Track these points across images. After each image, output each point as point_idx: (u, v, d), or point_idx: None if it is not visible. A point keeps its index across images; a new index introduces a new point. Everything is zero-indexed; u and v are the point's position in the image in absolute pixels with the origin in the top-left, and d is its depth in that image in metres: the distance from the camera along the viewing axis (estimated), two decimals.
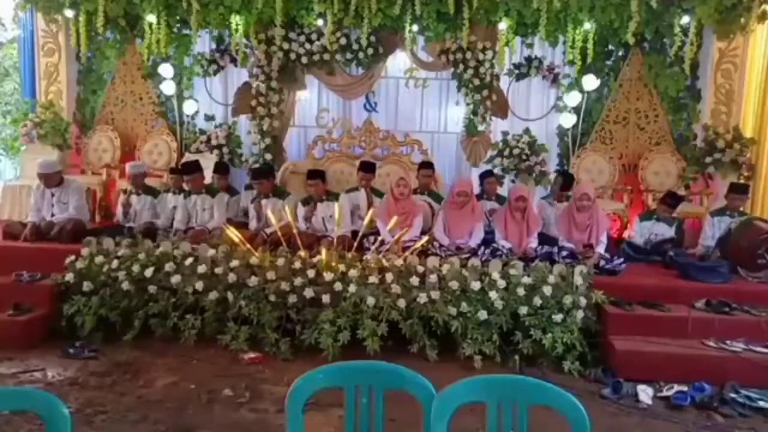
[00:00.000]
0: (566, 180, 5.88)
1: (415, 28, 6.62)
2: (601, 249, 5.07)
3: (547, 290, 4.30)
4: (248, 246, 4.77)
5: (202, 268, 4.51)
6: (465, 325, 4.26)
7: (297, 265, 4.54)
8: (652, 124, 6.86)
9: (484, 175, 6.08)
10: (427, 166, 6.15)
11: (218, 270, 4.52)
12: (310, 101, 7.64)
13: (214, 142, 7.13)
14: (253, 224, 5.72)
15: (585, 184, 5.57)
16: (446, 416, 1.74)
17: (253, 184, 5.95)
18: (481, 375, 1.95)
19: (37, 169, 5.58)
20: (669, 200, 5.57)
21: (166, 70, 7.08)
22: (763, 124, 6.54)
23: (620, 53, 6.91)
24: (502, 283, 4.37)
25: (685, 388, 3.76)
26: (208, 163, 6.47)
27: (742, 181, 6.22)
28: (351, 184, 6.45)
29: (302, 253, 4.70)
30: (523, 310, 4.28)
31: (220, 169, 6.27)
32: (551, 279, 4.38)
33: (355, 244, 4.89)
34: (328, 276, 4.39)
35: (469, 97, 6.85)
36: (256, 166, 6.77)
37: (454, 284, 4.35)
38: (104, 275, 4.61)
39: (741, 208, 5.60)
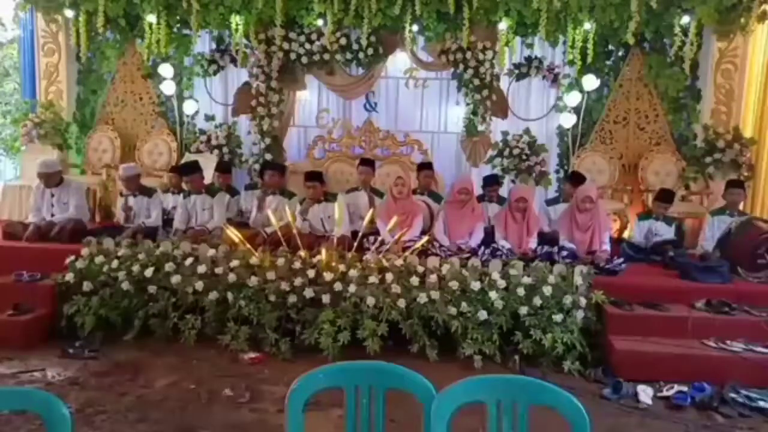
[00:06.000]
0: (575, 176, 5.85)
1: (415, 28, 6.62)
2: (606, 248, 5.08)
3: (547, 290, 4.30)
4: (248, 246, 4.77)
5: (202, 268, 4.51)
6: (465, 325, 4.26)
7: (297, 265, 4.54)
8: (652, 124, 6.86)
9: (489, 182, 6.05)
10: (426, 166, 6.16)
11: (218, 270, 4.52)
12: (310, 101, 7.65)
13: (214, 142, 7.13)
14: (252, 214, 5.75)
15: (588, 185, 5.54)
16: (446, 416, 1.73)
17: (264, 174, 5.93)
18: (481, 375, 1.94)
19: (37, 169, 5.58)
20: (661, 196, 5.58)
21: (166, 70, 7.08)
22: (763, 124, 6.54)
23: (620, 53, 6.91)
24: (502, 283, 4.37)
25: (685, 388, 3.75)
26: (208, 163, 6.48)
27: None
28: (351, 184, 6.45)
29: (302, 253, 4.70)
30: (523, 310, 4.28)
31: (222, 167, 6.29)
32: (551, 279, 4.37)
33: (355, 244, 4.89)
34: (328, 276, 4.39)
35: (469, 97, 6.86)
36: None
37: (454, 284, 4.35)
38: (104, 275, 4.60)
39: (740, 205, 5.59)
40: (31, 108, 7.36)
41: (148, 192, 5.82)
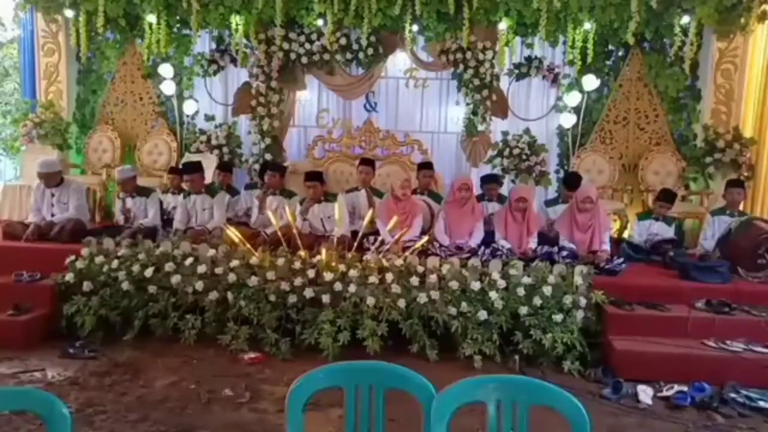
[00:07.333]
0: (572, 180, 5.84)
1: (415, 28, 6.63)
2: (606, 248, 5.08)
3: (547, 290, 4.30)
4: (248, 246, 4.77)
5: (202, 268, 4.51)
6: (465, 325, 4.26)
7: (297, 265, 4.54)
8: (652, 124, 6.86)
9: (487, 180, 6.05)
10: (426, 166, 6.16)
11: (218, 270, 4.52)
12: (310, 101, 7.66)
13: (214, 142, 7.14)
14: (254, 214, 5.76)
15: (588, 186, 5.53)
16: (446, 416, 1.74)
17: (266, 175, 5.91)
18: (481, 375, 1.95)
19: (37, 169, 5.57)
20: (662, 197, 5.57)
21: (166, 70, 7.08)
22: (763, 124, 6.54)
23: (620, 53, 6.92)
24: (502, 283, 4.36)
25: (685, 388, 3.75)
26: (208, 163, 6.48)
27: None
28: (351, 184, 6.46)
29: (302, 253, 4.70)
30: (523, 310, 4.28)
31: (224, 165, 6.30)
32: (551, 279, 4.37)
33: (355, 244, 4.89)
34: (328, 276, 4.39)
35: (469, 97, 6.87)
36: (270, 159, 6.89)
37: (454, 284, 4.35)
38: (104, 275, 4.60)
39: (740, 204, 5.59)
40: (31, 108, 7.36)
41: (146, 192, 5.82)
